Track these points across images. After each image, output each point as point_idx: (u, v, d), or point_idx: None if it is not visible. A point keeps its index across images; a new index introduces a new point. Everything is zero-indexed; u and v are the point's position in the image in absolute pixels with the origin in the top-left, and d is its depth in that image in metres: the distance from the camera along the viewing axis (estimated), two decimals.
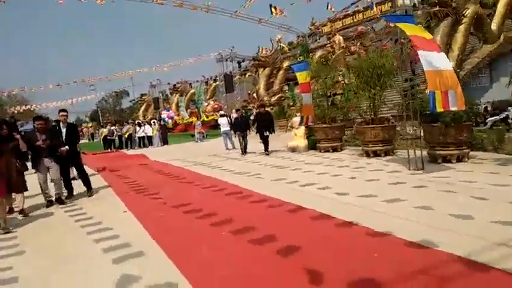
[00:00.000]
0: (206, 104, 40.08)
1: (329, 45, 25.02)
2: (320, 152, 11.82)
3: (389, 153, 9.82)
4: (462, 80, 18.66)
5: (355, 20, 37.25)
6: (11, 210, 6.60)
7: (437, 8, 18.03)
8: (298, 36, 28.47)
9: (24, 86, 45.46)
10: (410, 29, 7.28)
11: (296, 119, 13.18)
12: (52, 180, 7.11)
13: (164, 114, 36.02)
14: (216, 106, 38.22)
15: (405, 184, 6.41)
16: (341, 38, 24.53)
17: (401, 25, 7.46)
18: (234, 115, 18.40)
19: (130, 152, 19.96)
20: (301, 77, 12.53)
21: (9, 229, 5.53)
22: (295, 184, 7.17)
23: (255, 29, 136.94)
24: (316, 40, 42.44)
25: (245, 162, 11.33)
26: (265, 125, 12.67)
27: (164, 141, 23.13)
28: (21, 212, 6.52)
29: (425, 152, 8.12)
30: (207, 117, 36.64)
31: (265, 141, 12.58)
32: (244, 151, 13.17)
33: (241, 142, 13.27)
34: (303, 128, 12.84)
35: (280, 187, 7.05)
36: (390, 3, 33.28)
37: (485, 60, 18.76)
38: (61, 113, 7.46)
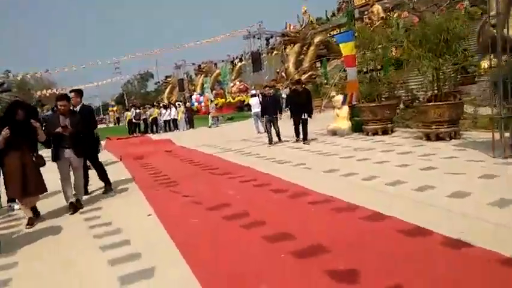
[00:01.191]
0: (232, 84, 38.83)
1: (366, 16, 22.98)
2: (368, 135, 10.37)
3: (455, 135, 8.30)
4: None
5: None
6: (36, 216, 5.29)
7: None
8: (342, 1, 26.31)
9: (48, 68, 44.95)
10: None
11: (338, 98, 11.67)
12: (75, 179, 5.76)
13: (194, 97, 34.96)
14: (242, 87, 36.93)
15: (501, 178, 4.97)
16: (380, 7, 22.45)
17: None
18: (254, 93, 16.66)
19: (156, 136, 19.04)
20: (346, 48, 11.02)
21: None
22: (354, 177, 5.83)
23: (284, 2, 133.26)
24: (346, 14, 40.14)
25: (283, 147, 10.02)
26: (302, 105, 10.15)
27: (191, 125, 22.10)
28: (29, 222, 5.06)
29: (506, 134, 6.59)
30: (233, 98, 35.44)
31: (303, 126, 10.23)
32: (278, 139, 10.77)
33: (269, 129, 10.63)
34: (346, 107, 11.36)
35: (337, 182, 5.72)
36: None
37: None
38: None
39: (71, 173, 5.70)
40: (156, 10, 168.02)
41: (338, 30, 36.45)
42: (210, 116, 21.76)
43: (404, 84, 13.94)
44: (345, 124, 11.20)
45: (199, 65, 49.14)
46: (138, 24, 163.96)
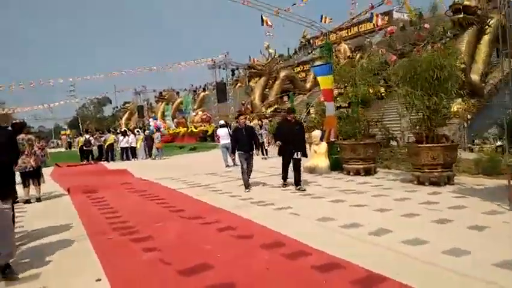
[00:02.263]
0: (194, 114, 37.76)
1: (333, 54, 23.01)
2: (349, 174, 9.58)
3: (449, 181, 7.65)
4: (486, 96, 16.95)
5: (349, 34, 35.72)
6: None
7: (462, 15, 16.28)
8: (322, 33, 26.15)
9: None
10: None
11: (316, 133, 10.90)
12: None
13: (151, 123, 33.03)
14: (205, 117, 35.93)
15: None
16: (347, 46, 22.65)
17: None
18: (222, 123, 15.17)
19: (111, 165, 17.33)
20: (325, 82, 10.37)
21: None
22: (358, 230, 4.83)
23: (250, 36, 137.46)
24: (309, 53, 41.03)
25: (260, 186, 8.91)
26: (295, 141, 8.11)
27: (150, 154, 20.53)
28: None
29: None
30: (195, 128, 34.28)
31: (295, 168, 8.12)
32: (247, 184, 8.40)
33: (245, 169, 8.36)
34: (324, 144, 10.57)
35: (339, 236, 4.69)
36: (387, 17, 31.83)
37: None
38: None
39: None
40: (117, 36, 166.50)
41: (302, 67, 36.91)
42: (154, 147, 19.93)
43: (379, 123, 13.52)
44: (323, 162, 10.37)
45: (160, 92, 47.86)
46: (98, 49, 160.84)
